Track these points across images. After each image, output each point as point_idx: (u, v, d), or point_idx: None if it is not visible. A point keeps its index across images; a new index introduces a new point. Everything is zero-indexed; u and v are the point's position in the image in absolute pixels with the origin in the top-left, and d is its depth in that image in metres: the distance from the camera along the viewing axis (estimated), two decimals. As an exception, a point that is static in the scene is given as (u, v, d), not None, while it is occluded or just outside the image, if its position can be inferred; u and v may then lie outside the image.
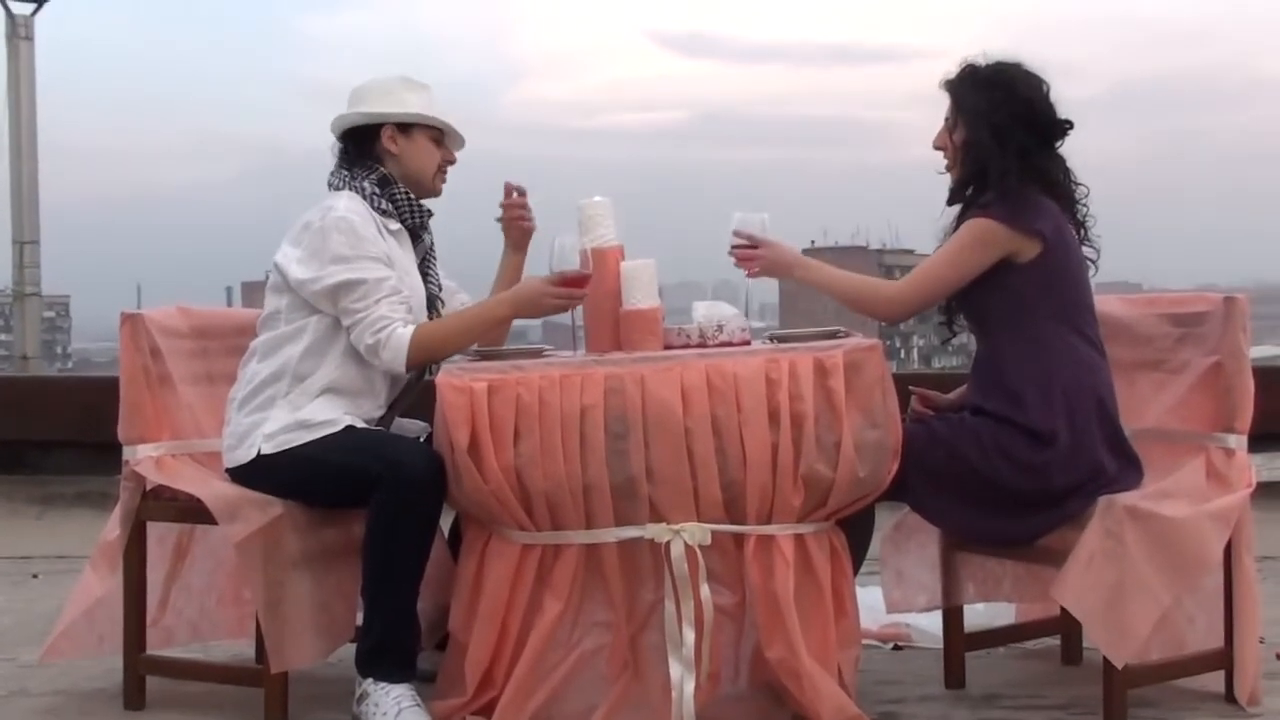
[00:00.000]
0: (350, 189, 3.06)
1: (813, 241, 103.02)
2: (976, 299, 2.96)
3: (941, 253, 2.91)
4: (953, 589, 3.14)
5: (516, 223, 3.20)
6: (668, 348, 2.95)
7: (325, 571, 2.96)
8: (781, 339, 3.00)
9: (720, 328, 2.96)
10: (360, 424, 2.98)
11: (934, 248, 3.03)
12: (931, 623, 3.36)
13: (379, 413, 3.05)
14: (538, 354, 3.02)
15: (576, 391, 2.80)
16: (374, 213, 3.04)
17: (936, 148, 3.03)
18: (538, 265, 3.03)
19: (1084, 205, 3.01)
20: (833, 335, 2.98)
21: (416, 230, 3.13)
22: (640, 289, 2.95)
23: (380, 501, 2.83)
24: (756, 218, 3.00)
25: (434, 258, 3.18)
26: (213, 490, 2.96)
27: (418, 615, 2.92)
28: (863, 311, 2.95)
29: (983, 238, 2.88)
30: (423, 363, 3.01)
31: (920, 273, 2.92)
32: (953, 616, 3.15)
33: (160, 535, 3.19)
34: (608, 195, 3.05)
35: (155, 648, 3.16)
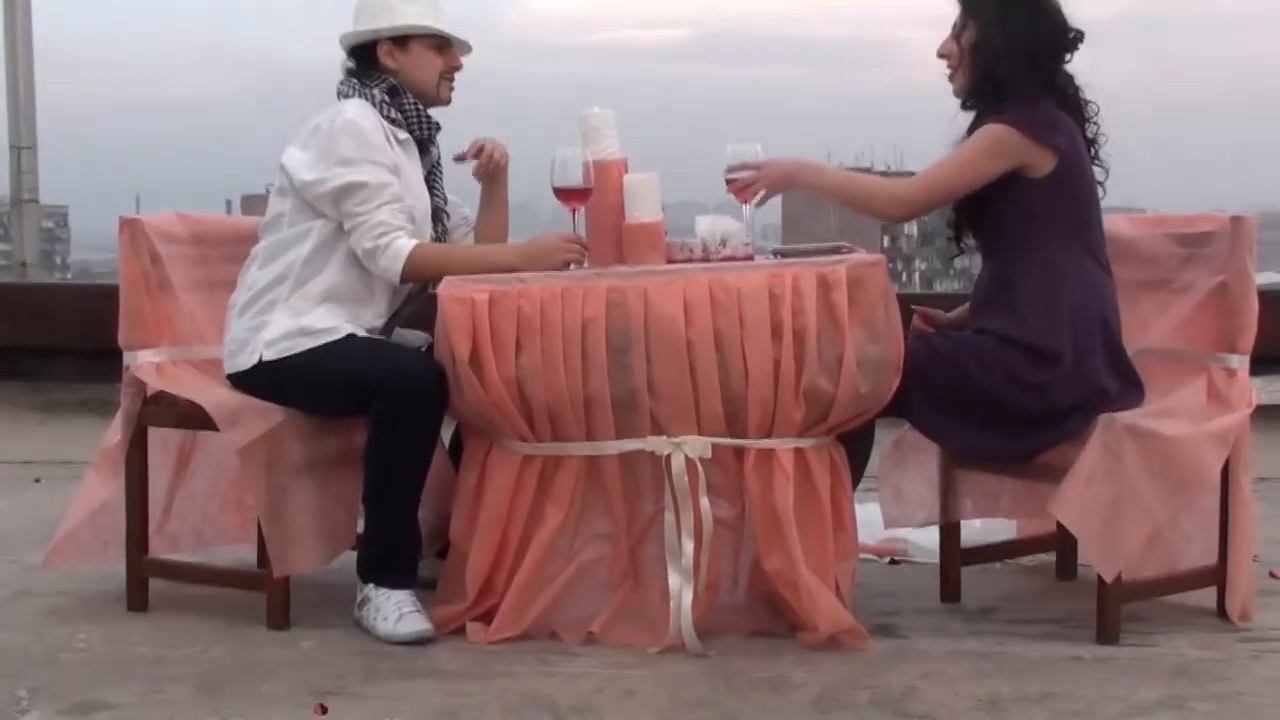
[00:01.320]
0: (361, 96, 3.03)
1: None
2: (986, 214, 2.94)
3: (954, 156, 2.88)
4: (950, 505, 3.16)
5: (483, 163, 3.13)
6: (670, 262, 2.94)
7: (327, 478, 2.98)
8: (785, 254, 3.00)
9: (724, 242, 2.95)
10: (361, 332, 2.98)
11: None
12: (928, 538, 3.39)
13: (379, 322, 3.05)
14: None
15: (578, 304, 2.80)
16: (383, 120, 3.01)
17: (940, 55, 3.00)
18: (540, 178, 3.01)
19: (1095, 123, 2.98)
20: (836, 251, 2.97)
21: (424, 142, 3.10)
22: (643, 203, 2.94)
23: (381, 409, 2.84)
24: (749, 148, 2.99)
25: (440, 170, 3.15)
26: (214, 397, 2.97)
27: (419, 523, 2.94)
28: (868, 211, 2.90)
29: (997, 144, 2.85)
30: (417, 280, 2.99)
31: (929, 174, 2.88)
32: (949, 532, 3.17)
33: (163, 441, 3.21)
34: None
35: (161, 553, 3.18)
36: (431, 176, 3.13)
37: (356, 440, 2.98)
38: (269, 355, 2.95)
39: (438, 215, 3.12)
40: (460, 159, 3.15)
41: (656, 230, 2.95)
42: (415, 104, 3.06)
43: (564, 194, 2.94)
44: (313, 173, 2.96)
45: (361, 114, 2.98)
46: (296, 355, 2.94)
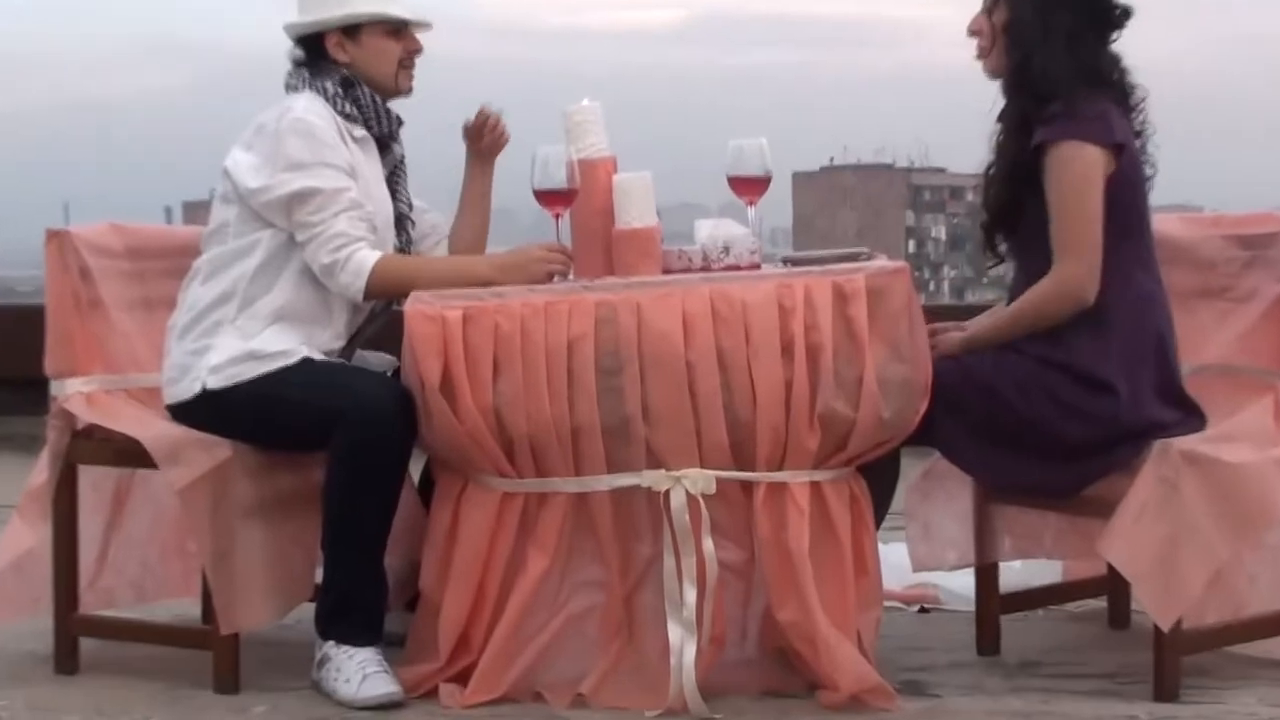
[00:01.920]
0: (311, 89, 3.03)
1: (831, 159, 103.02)
2: (1023, 218, 2.95)
3: (1069, 209, 2.86)
4: (986, 544, 3.15)
5: (489, 131, 3.16)
6: (666, 272, 2.94)
7: (280, 521, 2.97)
8: (796, 262, 3.00)
9: (726, 249, 2.95)
10: (319, 356, 2.98)
11: (986, 160, 3.03)
12: (962, 583, 3.38)
13: (338, 344, 3.05)
14: None
15: (563, 321, 2.80)
16: (337, 116, 3.02)
17: (971, 33, 3.01)
18: (519, 180, 3.01)
19: (1141, 111, 2.99)
20: (854, 258, 2.98)
21: (385, 140, 3.11)
22: (635, 205, 2.94)
23: (342, 442, 2.83)
24: (754, 143, 3.00)
25: (404, 172, 3.16)
26: (152, 430, 2.96)
27: (385, 571, 2.94)
28: (1056, 320, 2.88)
29: (1087, 165, 2.86)
30: (381, 296, 3.00)
31: (1072, 242, 2.86)
32: (986, 575, 3.17)
33: (95, 481, 3.20)
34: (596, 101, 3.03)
35: (94, 609, 3.18)
36: (394, 179, 3.13)
37: (314, 478, 2.97)
38: (213, 383, 2.95)
39: (401, 223, 3.12)
40: (468, 128, 3.13)
41: (650, 236, 2.95)
42: (373, 97, 3.06)
43: (546, 197, 2.95)
44: (259, 178, 2.96)
45: (312, 110, 2.98)
46: (245, 383, 2.94)
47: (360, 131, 3.05)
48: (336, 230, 2.93)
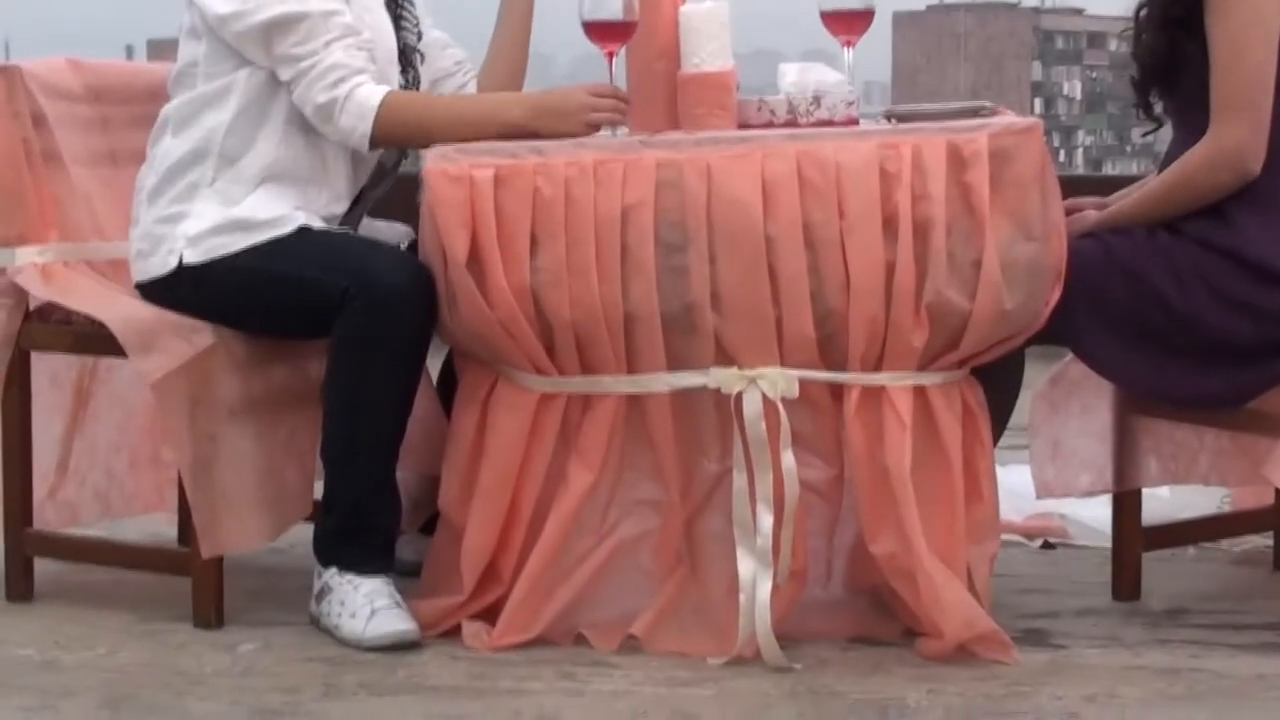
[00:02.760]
0: None
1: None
2: (1185, 71, 2.93)
3: (1230, 58, 2.84)
4: (1128, 467, 3.14)
5: None
6: (743, 126, 2.92)
7: (273, 424, 2.99)
8: (902, 117, 2.97)
9: (817, 100, 2.93)
10: (318, 223, 2.98)
11: (1137, 1, 2.99)
12: (1096, 513, 3.39)
13: (340, 208, 3.05)
14: None
15: (617, 185, 2.79)
16: None
17: None
18: (555, 14, 2.97)
19: None
20: (974, 113, 2.95)
21: None
22: (706, 44, 2.92)
23: (347, 328, 2.84)
24: None
25: None
26: (120, 311, 2.98)
27: (397, 486, 2.95)
28: (1214, 194, 2.87)
29: (1261, 7, 2.84)
30: (390, 143, 2.98)
31: (1233, 99, 2.85)
32: (1126, 504, 3.16)
33: (53, 373, 3.24)
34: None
35: (52, 526, 3.23)
36: (396, 2, 3.10)
37: (312, 372, 2.99)
38: (192, 256, 2.96)
39: (408, 56, 3.10)
40: None
41: (725, 82, 2.92)
42: None
43: (598, 30, 2.91)
44: (230, 2, 2.94)
45: None
46: (229, 256, 2.94)
47: None
48: (331, 62, 2.91)
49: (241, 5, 2.93)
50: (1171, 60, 2.96)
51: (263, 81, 2.98)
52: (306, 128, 2.97)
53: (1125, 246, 2.94)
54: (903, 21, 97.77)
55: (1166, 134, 3.11)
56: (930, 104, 3.05)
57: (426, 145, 2.89)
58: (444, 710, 2.63)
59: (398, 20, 3.10)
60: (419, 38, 3.14)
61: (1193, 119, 2.95)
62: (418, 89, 3.12)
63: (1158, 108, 3.07)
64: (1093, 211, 3.06)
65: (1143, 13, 3.04)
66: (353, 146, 2.96)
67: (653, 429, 2.87)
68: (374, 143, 2.94)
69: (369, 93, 2.91)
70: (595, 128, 2.88)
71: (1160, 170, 3.04)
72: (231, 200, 2.96)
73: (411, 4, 3.14)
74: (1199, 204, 2.89)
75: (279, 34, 2.92)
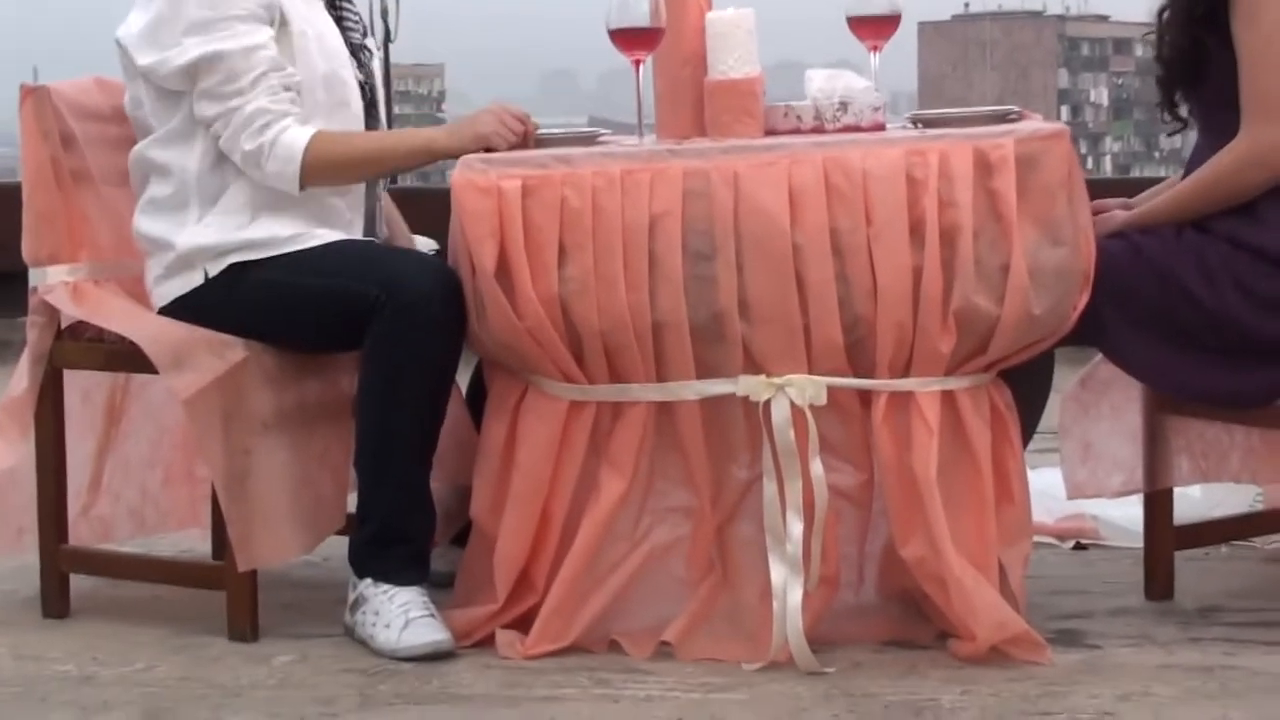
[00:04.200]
0: None
1: (966, 4, 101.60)
2: (1209, 71, 2.93)
3: (1263, 57, 2.84)
4: (1160, 466, 3.14)
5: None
6: (770, 133, 2.93)
7: (306, 437, 3.01)
8: (929, 123, 2.97)
9: (844, 106, 2.94)
10: (341, 235, 3.00)
11: (1160, 2, 3.00)
12: (1128, 513, 3.38)
13: (357, 221, 3.06)
14: (590, 140, 3.01)
15: (644, 194, 2.80)
16: None
17: None
18: (578, 32, 2.98)
19: None
20: (1002, 118, 2.95)
21: None
22: (734, 50, 2.92)
23: (378, 339, 2.86)
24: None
25: None
26: (150, 328, 3.00)
27: (431, 496, 2.97)
28: (1246, 193, 2.88)
29: None
30: (321, 182, 2.97)
31: (1268, 98, 2.85)
32: (1158, 503, 3.15)
33: (85, 391, 3.26)
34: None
35: (87, 542, 3.24)
36: (337, 3, 3.10)
37: (345, 385, 3.01)
38: (216, 268, 2.97)
39: (357, 54, 3.09)
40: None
41: (751, 88, 2.93)
42: None
43: (624, 38, 2.93)
44: (153, 50, 2.95)
45: None
46: (257, 266, 2.96)
47: None
48: (255, 108, 2.91)
49: (162, 53, 2.94)
50: (1196, 59, 2.96)
51: None
52: None
53: (1154, 246, 2.94)
54: (928, 31, 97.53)
55: (1194, 138, 3.11)
56: (957, 109, 3.05)
57: (357, 180, 2.99)
58: (479, 718, 2.64)
59: (340, 21, 3.10)
60: (364, 33, 3.15)
61: (1218, 120, 2.95)
62: (373, 85, 3.12)
63: (1183, 109, 3.07)
64: (1120, 212, 3.06)
65: (1165, 14, 3.03)
66: (284, 189, 2.95)
67: (682, 436, 2.88)
68: (304, 184, 2.95)
69: (294, 136, 2.92)
70: (487, 143, 2.88)
71: (1186, 172, 3.04)
72: (238, 227, 2.97)
73: (351, 2, 3.14)
74: (1231, 203, 2.90)
75: (203, 74, 2.92)
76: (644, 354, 2.84)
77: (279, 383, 2.98)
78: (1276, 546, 3.43)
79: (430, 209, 3.23)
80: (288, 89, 2.95)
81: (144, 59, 2.96)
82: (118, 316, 3.06)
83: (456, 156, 2.89)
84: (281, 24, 2.98)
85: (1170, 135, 3.14)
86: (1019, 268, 2.77)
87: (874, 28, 3.00)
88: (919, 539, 2.81)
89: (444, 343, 2.89)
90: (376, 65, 3.17)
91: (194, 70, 2.93)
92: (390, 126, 3.25)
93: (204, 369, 2.92)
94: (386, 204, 3.21)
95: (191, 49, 2.92)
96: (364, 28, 3.16)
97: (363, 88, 3.08)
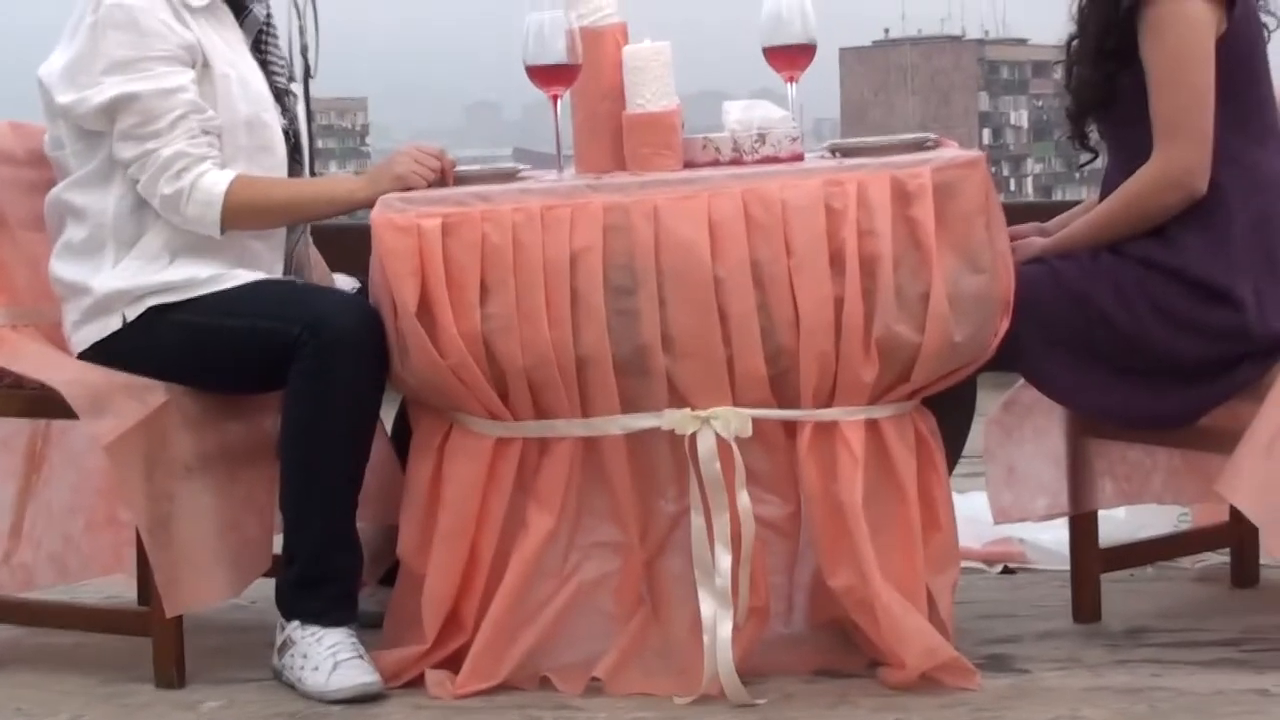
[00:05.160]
0: None
1: (886, 30, 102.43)
2: (1116, 95, 2.95)
3: (1171, 81, 2.86)
4: (1083, 490, 3.16)
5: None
6: (689, 165, 2.94)
7: (230, 480, 2.99)
8: (847, 152, 2.99)
9: (762, 137, 2.95)
10: (261, 276, 2.98)
11: (1068, 32, 3.03)
12: (1054, 536, 3.40)
13: (277, 263, 3.05)
14: (510, 176, 3.01)
15: (565, 230, 2.80)
16: None
17: None
18: (501, 65, 2.99)
19: None
20: (917, 146, 2.97)
21: (239, 1, 3.06)
22: (651, 83, 2.93)
23: (300, 378, 2.85)
24: (793, 4, 2.97)
25: (274, 34, 3.13)
26: (69, 374, 2.97)
27: (357, 535, 2.96)
28: (1162, 215, 2.89)
29: (1196, 26, 2.85)
30: (240, 226, 2.96)
31: (1177, 121, 2.87)
32: (1083, 526, 3.17)
33: (5, 438, 3.23)
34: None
35: (9, 591, 3.21)
36: (262, 45, 3.09)
37: (268, 426, 2.99)
38: (134, 312, 2.95)
39: (281, 98, 3.08)
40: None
41: (670, 121, 2.94)
42: None
43: (541, 74, 2.94)
44: (72, 89, 2.94)
45: None
46: (175, 308, 2.94)
47: None
48: (173, 151, 2.90)
49: (80, 92, 2.92)
50: (1105, 90, 2.97)
51: None
52: None
53: (1071, 270, 2.96)
54: (849, 57, 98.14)
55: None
56: (874, 138, 3.07)
57: (278, 226, 3.00)
58: (410, 760, 2.63)
59: (265, 65, 3.09)
60: (289, 79, 3.15)
61: (1129, 140, 2.97)
62: (297, 130, 3.12)
63: (1092, 136, 3.08)
64: (1038, 239, 3.08)
65: (1074, 43, 3.06)
66: (204, 234, 2.94)
67: (609, 471, 2.88)
68: (224, 228, 2.94)
69: (213, 180, 2.92)
70: (405, 183, 2.88)
71: (1102, 194, 3.06)
72: (153, 271, 2.95)
73: (277, 46, 3.13)
74: (1148, 225, 2.91)
75: (120, 114, 2.91)
76: (568, 390, 2.83)
77: (201, 425, 2.96)
78: (1203, 566, 3.46)
79: (350, 246, 3.22)
80: (207, 132, 2.94)
81: (63, 97, 2.94)
82: (36, 362, 3.03)
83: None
84: (204, 66, 2.97)
85: (1083, 166, 3.16)
86: (939, 295, 2.79)
87: (789, 58, 3.02)
88: (847, 568, 2.81)
89: (366, 381, 2.88)
90: (301, 109, 3.16)
91: (112, 110, 2.91)
92: (313, 163, 3.24)
93: (124, 414, 2.90)
94: (307, 242, 3.20)
95: (109, 88, 2.90)
96: (290, 72, 3.15)
97: (286, 133, 3.07)
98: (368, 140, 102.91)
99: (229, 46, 3.02)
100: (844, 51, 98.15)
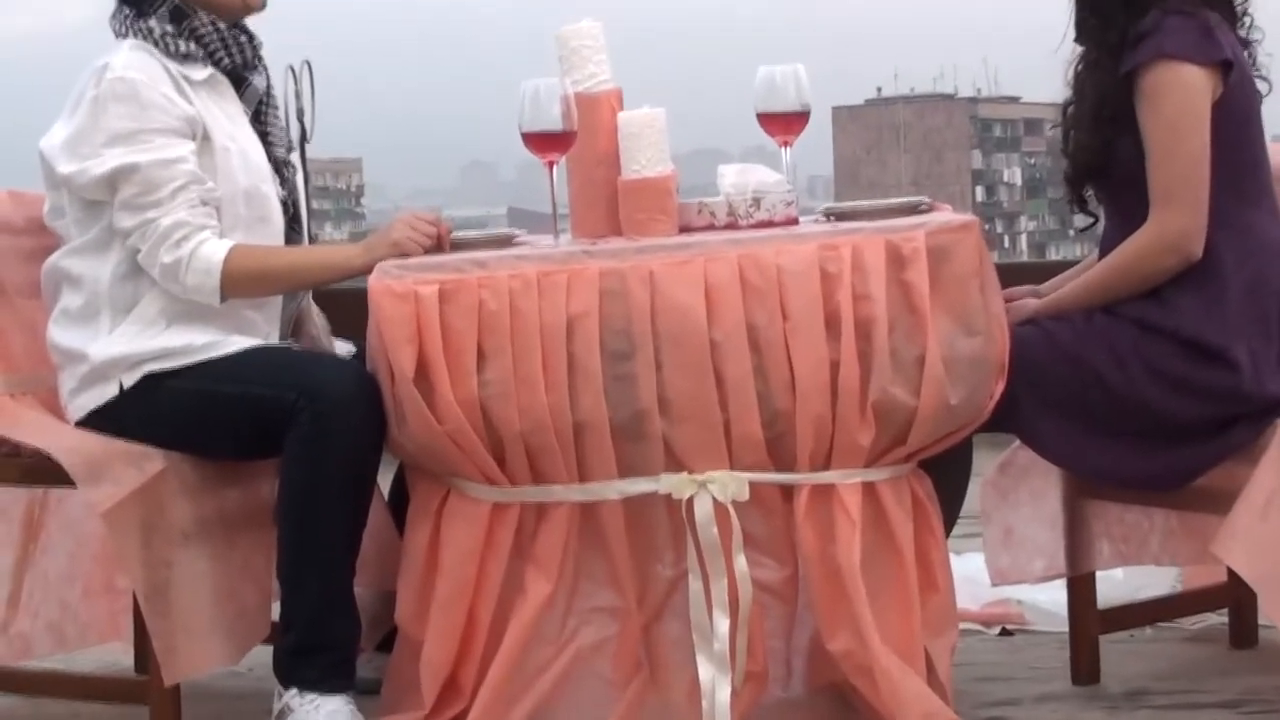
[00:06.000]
0: (134, 33, 3.00)
1: (879, 89, 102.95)
2: (1113, 158, 2.97)
3: (1167, 145, 2.88)
4: (1081, 551, 3.16)
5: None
6: (685, 230, 2.96)
7: (228, 547, 2.98)
8: (841, 215, 3.01)
9: (757, 202, 2.96)
10: (258, 342, 2.99)
11: (1064, 95, 3.06)
12: (1052, 598, 3.39)
13: (274, 330, 3.06)
14: (507, 241, 3.02)
15: (561, 295, 2.81)
16: (169, 61, 2.98)
17: None
18: (497, 127, 3.02)
19: (1248, 14, 3.01)
20: (912, 209, 2.99)
21: (239, 71, 3.09)
22: (646, 149, 2.95)
23: (296, 445, 2.85)
24: (787, 70, 3.01)
25: (273, 106, 3.15)
26: (66, 441, 2.97)
27: (355, 602, 2.95)
28: (1157, 279, 2.91)
29: (1192, 92, 2.87)
30: (239, 294, 2.97)
31: (1173, 186, 2.89)
32: (1081, 588, 3.17)
33: (2, 506, 3.23)
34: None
35: (7, 661, 3.20)
36: (262, 117, 3.11)
37: (265, 492, 2.99)
38: (131, 379, 2.96)
39: (280, 169, 3.10)
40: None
41: (665, 187, 2.95)
42: (214, 23, 3.03)
43: (537, 140, 2.95)
44: (73, 160, 2.95)
45: (134, 63, 2.95)
46: (172, 375, 2.95)
47: (203, 72, 3.01)
48: (173, 221, 2.91)
49: (82, 163, 2.94)
50: (1102, 156, 2.99)
51: None
52: None
53: (1066, 331, 2.97)
54: (842, 116, 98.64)
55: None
56: (868, 201, 3.09)
57: (274, 293, 3.01)
58: (409, 829, 2.62)
59: (264, 135, 3.10)
60: (289, 149, 3.17)
61: (1127, 203, 2.98)
62: (295, 200, 3.14)
63: (1091, 201, 3.09)
64: (1032, 300, 3.09)
65: (1070, 108, 3.08)
66: (204, 302, 2.95)
67: (607, 536, 2.88)
68: (223, 296, 2.95)
69: (213, 249, 2.93)
70: (402, 250, 2.90)
71: (1100, 255, 3.07)
72: (149, 337, 2.96)
73: (277, 117, 3.15)
74: (1143, 288, 2.93)
75: (121, 185, 2.93)
76: (566, 455, 2.84)
77: (199, 492, 2.96)
78: (1200, 626, 3.46)
79: (347, 309, 3.23)
80: (206, 202, 2.95)
81: (64, 168, 2.95)
82: (33, 430, 3.03)
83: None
84: (204, 139, 2.98)
85: (1080, 231, 3.17)
86: (934, 358, 2.80)
87: (783, 124, 3.04)
88: (845, 632, 2.81)
89: (363, 447, 2.88)
90: (300, 180, 3.18)
91: (113, 180, 2.92)
92: (310, 227, 3.26)
93: (122, 481, 2.90)
94: (308, 306, 3.21)
95: (110, 160, 2.92)
96: (289, 143, 3.17)
97: (284, 204, 3.08)
98: (363, 201, 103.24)
99: (229, 119, 3.04)
100: (837, 110, 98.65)
